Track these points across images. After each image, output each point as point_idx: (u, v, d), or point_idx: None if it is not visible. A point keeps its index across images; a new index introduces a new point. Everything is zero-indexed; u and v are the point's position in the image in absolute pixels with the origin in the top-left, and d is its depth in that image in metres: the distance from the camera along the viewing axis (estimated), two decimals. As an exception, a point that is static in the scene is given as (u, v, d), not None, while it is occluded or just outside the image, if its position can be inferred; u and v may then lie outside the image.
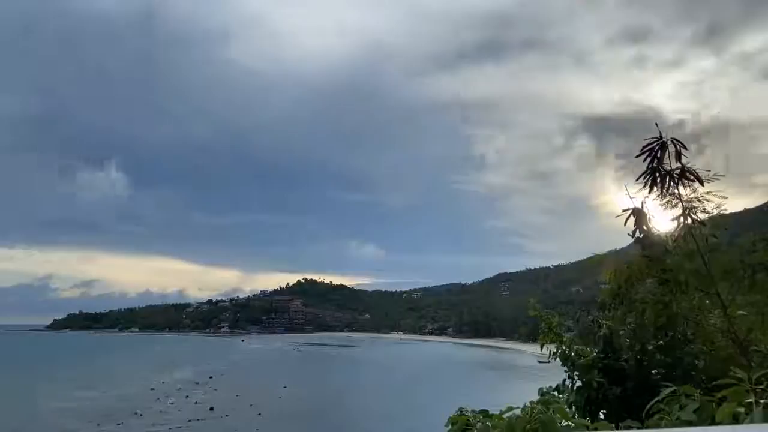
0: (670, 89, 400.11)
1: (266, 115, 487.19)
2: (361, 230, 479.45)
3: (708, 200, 4.88)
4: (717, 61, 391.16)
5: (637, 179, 4.92)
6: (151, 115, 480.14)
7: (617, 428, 3.76)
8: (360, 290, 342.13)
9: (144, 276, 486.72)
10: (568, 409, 5.38)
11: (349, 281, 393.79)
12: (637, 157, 4.88)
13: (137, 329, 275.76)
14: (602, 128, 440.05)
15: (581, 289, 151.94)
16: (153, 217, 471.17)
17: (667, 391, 2.86)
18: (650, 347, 5.96)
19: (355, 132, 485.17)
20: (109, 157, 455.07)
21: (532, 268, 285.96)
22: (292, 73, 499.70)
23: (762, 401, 2.53)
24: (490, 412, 3.40)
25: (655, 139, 4.80)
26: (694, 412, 2.68)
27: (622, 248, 6.19)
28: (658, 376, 5.74)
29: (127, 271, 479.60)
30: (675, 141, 4.75)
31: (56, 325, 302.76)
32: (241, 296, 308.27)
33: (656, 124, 4.83)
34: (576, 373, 5.99)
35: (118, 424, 44.80)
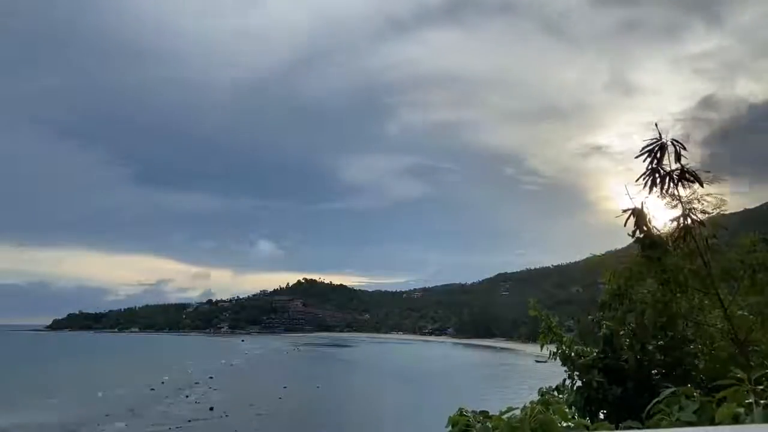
0: (661, 68, 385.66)
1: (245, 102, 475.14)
2: (359, 230, 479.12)
3: (707, 201, 4.89)
4: (712, 36, 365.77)
5: (637, 180, 4.94)
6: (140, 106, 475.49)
7: (617, 428, 3.77)
8: (360, 290, 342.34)
9: (138, 275, 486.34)
10: (567, 410, 5.39)
11: (349, 281, 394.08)
12: (636, 158, 4.90)
13: (137, 329, 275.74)
14: (596, 119, 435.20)
15: (581, 289, 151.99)
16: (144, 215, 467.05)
17: (667, 391, 2.86)
18: (650, 347, 5.98)
19: (340, 125, 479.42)
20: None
21: (532, 268, 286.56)
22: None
23: (762, 402, 2.53)
24: (490, 413, 3.40)
25: (654, 140, 4.81)
26: (694, 412, 2.68)
27: (622, 248, 6.20)
28: (658, 377, 5.76)
29: (119, 270, 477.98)
30: (675, 141, 4.77)
31: (56, 325, 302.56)
32: (240, 296, 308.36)
33: (656, 124, 4.84)
34: (576, 373, 6.01)
35: (118, 425, 44.82)
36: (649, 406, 2.88)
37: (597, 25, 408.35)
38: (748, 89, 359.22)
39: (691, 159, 4.85)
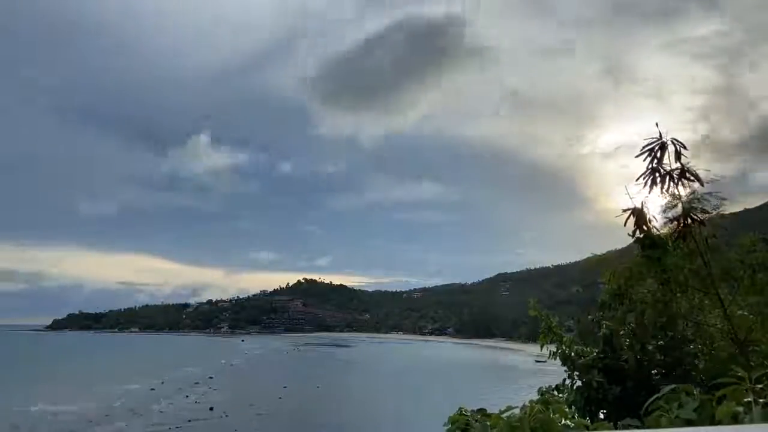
0: (660, 56, 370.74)
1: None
2: (359, 230, 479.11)
3: (708, 200, 4.89)
4: (710, 21, 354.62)
5: (638, 179, 4.93)
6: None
7: (617, 428, 3.76)
8: (360, 290, 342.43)
9: (138, 275, 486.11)
10: (567, 409, 5.39)
11: (349, 281, 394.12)
12: (636, 157, 4.89)
13: (137, 329, 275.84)
14: (595, 113, 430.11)
15: (581, 289, 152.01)
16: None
17: (666, 388, 2.86)
18: (650, 347, 5.98)
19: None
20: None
21: (532, 268, 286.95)
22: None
23: (761, 401, 2.54)
24: (489, 412, 3.40)
25: (654, 139, 4.81)
26: (694, 410, 2.68)
27: (623, 248, 6.19)
28: (658, 376, 5.76)
29: (118, 270, 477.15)
30: (675, 141, 4.76)
31: (56, 325, 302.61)
32: (240, 296, 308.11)
33: (657, 123, 4.84)
34: (576, 372, 6.01)
35: (118, 425, 44.80)
36: (648, 403, 2.88)
37: (592, 10, 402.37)
38: (748, 78, 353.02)
39: (692, 156, 4.84)
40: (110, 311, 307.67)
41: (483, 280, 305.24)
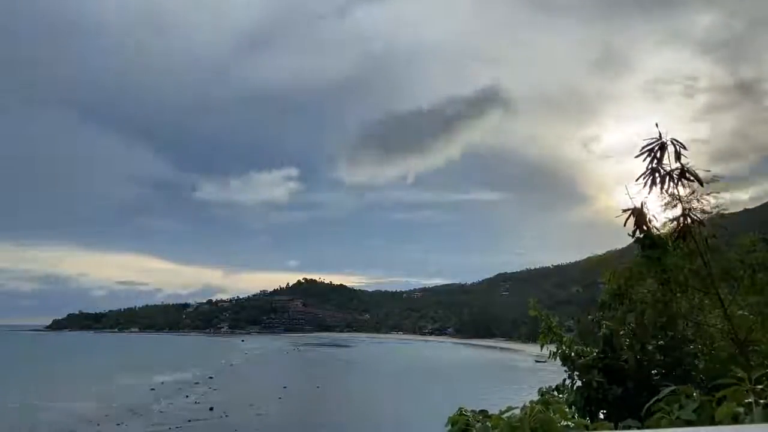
0: (659, 49, 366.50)
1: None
2: (360, 230, 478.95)
3: (707, 200, 4.89)
4: (710, 13, 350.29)
5: (637, 179, 4.93)
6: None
7: (617, 428, 3.77)
8: (360, 290, 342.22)
9: (138, 275, 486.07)
10: (567, 409, 5.39)
11: (349, 281, 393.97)
12: (636, 157, 4.90)
13: (137, 329, 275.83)
14: (594, 114, 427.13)
15: (581, 289, 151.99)
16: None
17: (666, 390, 2.86)
18: (650, 347, 5.98)
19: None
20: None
21: (532, 268, 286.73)
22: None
23: (762, 401, 2.53)
24: (490, 412, 3.40)
25: (654, 139, 4.81)
26: (694, 411, 2.68)
27: (623, 248, 6.20)
28: (658, 376, 5.76)
29: (118, 270, 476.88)
30: (675, 141, 4.76)
31: (56, 326, 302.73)
32: (240, 296, 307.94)
33: (656, 124, 4.84)
34: (576, 372, 6.01)
35: (118, 425, 44.77)
36: (648, 405, 2.88)
37: (591, 6, 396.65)
38: (749, 75, 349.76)
39: (692, 155, 4.84)
40: (110, 311, 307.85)
41: (483, 280, 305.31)
